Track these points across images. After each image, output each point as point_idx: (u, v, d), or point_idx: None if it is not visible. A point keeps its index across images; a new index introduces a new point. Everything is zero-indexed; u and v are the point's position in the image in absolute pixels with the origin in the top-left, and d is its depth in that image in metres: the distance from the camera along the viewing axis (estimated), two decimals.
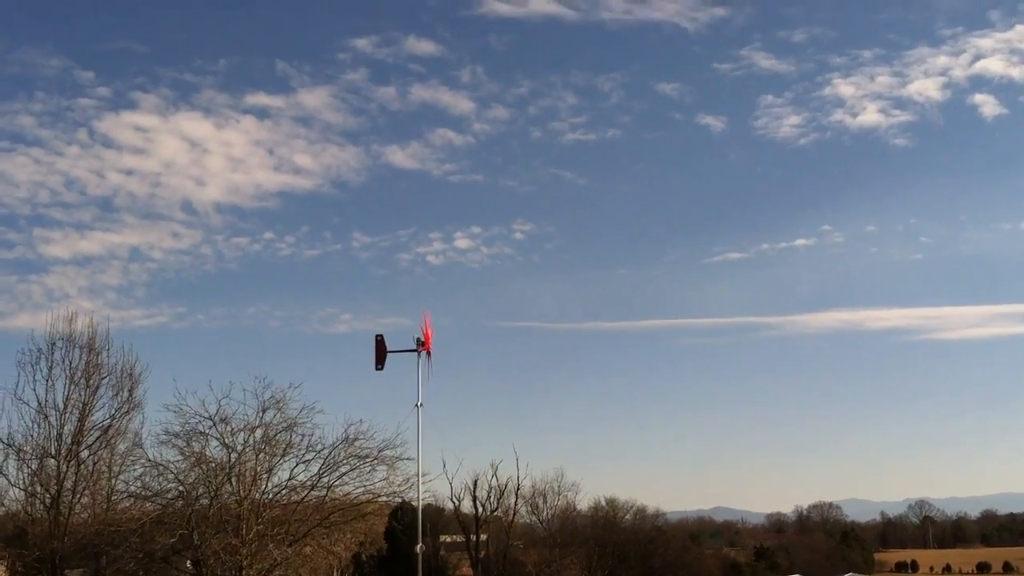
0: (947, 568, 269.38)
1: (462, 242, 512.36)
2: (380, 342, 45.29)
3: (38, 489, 55.49)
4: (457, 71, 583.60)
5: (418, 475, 47.34)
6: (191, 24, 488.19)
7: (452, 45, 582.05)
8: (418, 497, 48.10)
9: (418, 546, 47.18)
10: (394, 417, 52.67)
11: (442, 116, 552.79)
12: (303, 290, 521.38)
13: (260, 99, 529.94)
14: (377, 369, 45.23)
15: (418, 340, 44.88)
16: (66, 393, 56.37)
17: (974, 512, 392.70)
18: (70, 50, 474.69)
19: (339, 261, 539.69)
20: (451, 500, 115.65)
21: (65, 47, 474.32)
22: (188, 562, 52.32)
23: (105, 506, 54.72)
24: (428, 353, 44.87)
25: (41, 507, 55.61)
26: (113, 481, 55.30)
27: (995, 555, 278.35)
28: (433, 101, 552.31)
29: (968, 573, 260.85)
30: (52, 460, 55.58)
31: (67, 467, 55.47)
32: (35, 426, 55.70)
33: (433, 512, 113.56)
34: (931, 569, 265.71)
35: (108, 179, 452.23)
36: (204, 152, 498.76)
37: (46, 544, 54.45)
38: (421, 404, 43.44)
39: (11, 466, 56.31)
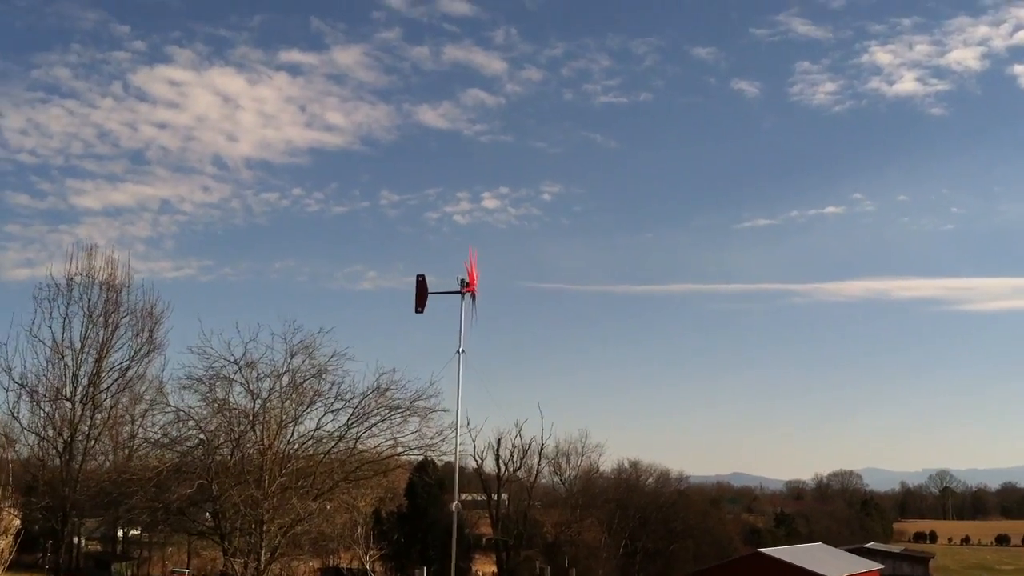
0: (966, 539, 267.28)
1: (490, 202, 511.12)
2: (421, 283, 42.29)
3: (51, 433, 52.41)
4: (491, 31, 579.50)
5: (456, 425, 44.36)
6: None
7: (486, 5, 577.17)
8: (455, 449, 45.21)
9: (454, 503, 44.24)
10: (427, 368, 49.59)
11: (474, 76, 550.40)
12: (331, 247, 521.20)
13: (293, 56, 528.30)
14: (417, 311, 42.27)
15: (462, 281, 41.89)
16: (83, 332, 53.47)
17: (994, 484, 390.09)
18: (107, 3, 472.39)
19: (367, 219, 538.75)
20: (474, 458, 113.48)
21: (101, 0, 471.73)
22: (207, 514, 49.60)
23: (121, 453, 51.51)
24: (473, 295, 41.91)
25: (54, 453, 52.53)
26: (131, 427, 51.90)
27: (1014, 527, 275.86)
28: (466, 61, 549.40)
29: (987, 544, 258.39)
30: (67, 403, 52.52)
31: (83, 411, 52.44)
32: (50, 366, 52.77)
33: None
34: (950, 540, 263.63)
35: (141, 132, 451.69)
36: (236, 107, 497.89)
37: (58, 492, 51.70)
38: (463, 350, 40.47)
39: (24, 408, 53.11)
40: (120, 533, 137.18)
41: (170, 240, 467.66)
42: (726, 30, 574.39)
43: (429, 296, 44.52)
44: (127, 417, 52.26)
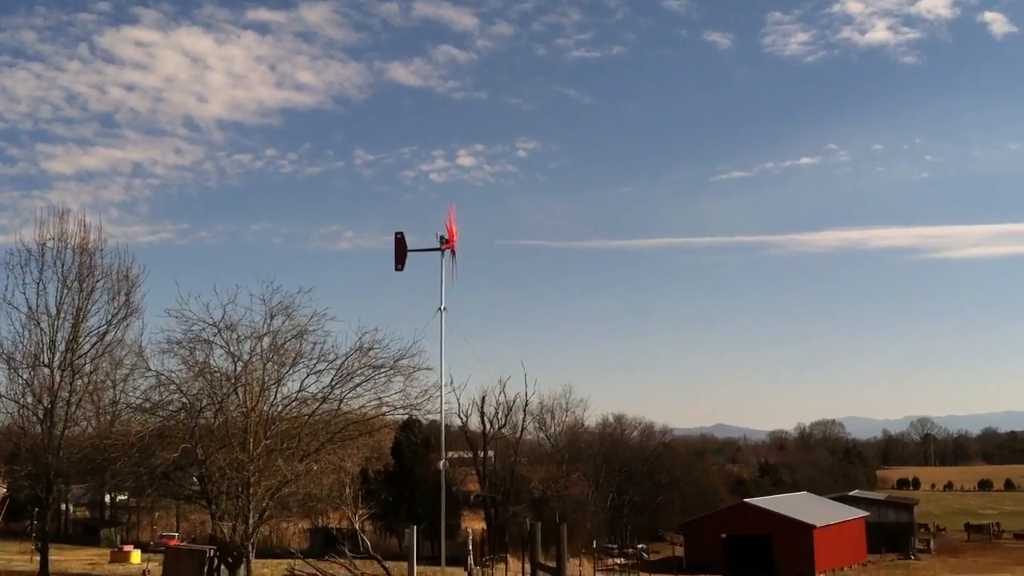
0: (949, 485, 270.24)
1: (465, 160, 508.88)
2: (400, 240, 41.85)
3: (31, 400, 51.63)
4: None
5: (440, 383, 44.06)
6: None
7: None
8: (440, 408, 44.89)
9: (442, 461, 43.98)
10: (410, 327, 49.07)
11: (445, 32, 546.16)
12: (306, 207, 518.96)
13: (261, 14, 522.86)
14: (397, 269, 41.86)
15: (441, 238, 41.36)
16: (59, 297, 52.41)
17: (975, 430, 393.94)
18: None
19: (342, 178, 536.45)
20: (459, 416, 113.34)
21: None
22: (193, 478, 49.12)
23: (103, 419, 50.82)
24: (453, 251, 41.41)
25: (35, 420, 51.78)
26: (111, 392, 51.19)
27: (996, 472, 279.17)
28: (436, 17, 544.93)
29: (970, 490, 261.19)
30: (45, 369, 51.68)
31: (62, 377, 51.62)
32: (26, 332, 51.76)
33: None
34: (932, 486, 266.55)
35: (110, 94, 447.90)
36: (205, 68, 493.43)
37: (40, 459, 51.05)
38: (445, 308, 40.06)
39: (1, 375, 52.30)
40: (108, 499, 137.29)
41: (144, 204, 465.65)
42: None
43: (408, 253, 44.10)
44: (108, 382, 51.37)
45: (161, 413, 48.03)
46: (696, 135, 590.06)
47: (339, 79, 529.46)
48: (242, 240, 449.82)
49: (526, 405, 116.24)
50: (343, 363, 46.56)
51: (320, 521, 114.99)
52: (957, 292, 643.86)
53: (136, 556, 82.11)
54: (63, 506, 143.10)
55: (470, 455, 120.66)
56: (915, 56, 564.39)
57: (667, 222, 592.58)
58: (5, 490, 65.39)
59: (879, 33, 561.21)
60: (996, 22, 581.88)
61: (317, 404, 46.96)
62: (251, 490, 43.64)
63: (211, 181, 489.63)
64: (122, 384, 51.79)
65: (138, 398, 49.90)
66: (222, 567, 46.63)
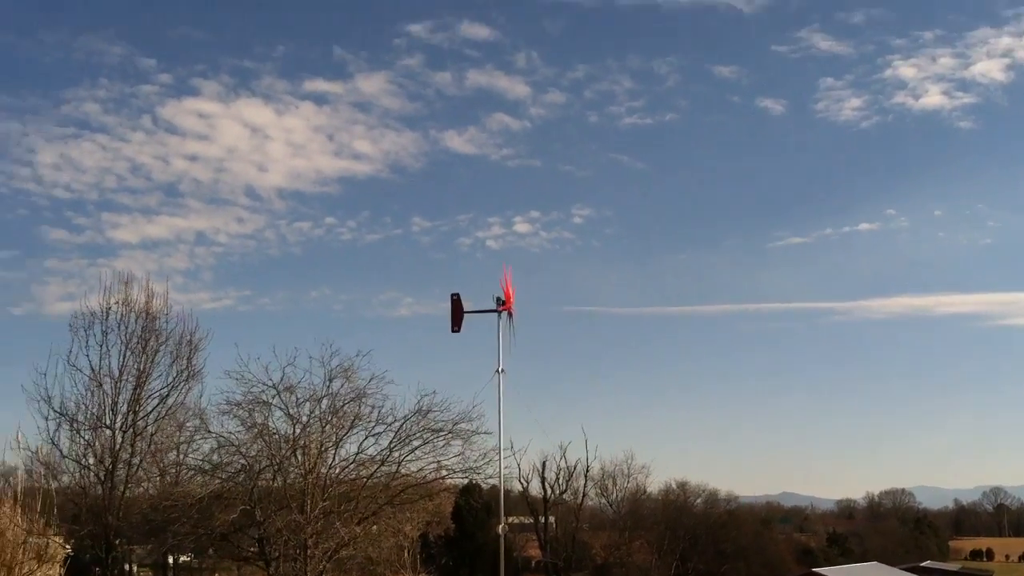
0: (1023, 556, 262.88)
1: (521, 226, 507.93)
2: (456, 301, 41.73)
3: (91, 461, 52.03)
4: (512, 55, 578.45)
5: (499, 446, 43.64)
6: (249, 11, 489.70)
7: (507, 30, 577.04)
8: (499, 471, 44.40)
9: (501, 525, 43.51)
10: (468, 391, 48.86)
11: (498, 101, 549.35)
12: (365, 274, 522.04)
13: (318, 85, 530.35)
14: (453, 331, 41.72)
15: (498, 299, 41.20)
16: (122, 360, 52.90)
17: None
18: (132, 37, 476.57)
19: (400, 245, 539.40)
20: (519, 481, 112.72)
21: (127, 34, 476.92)
22: (252, 539, 49.04)
23: (164, 480, 51.09)
24: (510, 313, 41.20)
25: (95, 480, 52.13)
26: (173, 454, 51.51)
27: None
28: (489, 86, 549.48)
29: None
30: (107, 430, 52.13)
31: (123, 438, 52.04)
32: (89, 394, 52.29)
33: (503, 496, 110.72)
34: (1007, 557, 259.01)
35: (172, 165, 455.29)
36: (265, 138, 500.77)
37: (100, 519, 51.29)
38: (503, 369, 39.76)
39: (64, 436, 52.72)
40: (171, 560, 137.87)
41: (207, 271, 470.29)
42: (747, 47, 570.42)
43: (465, 315, 43.91)
44: (169, 444, 51.72)
45: (221, 475, 48.20)
46: (751, 201, 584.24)
47: (395, 148, 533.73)
48: (302, 307, 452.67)
49: (587, 471, 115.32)
50: (402, 426, 46.60)
51: None
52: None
53: None
54: (126, 567, 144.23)
55: (531, 520, 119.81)
56: (971, 120, 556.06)
57: (725, 289, 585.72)
58: (69, 549, 65.73)
59: (933, 98, 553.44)
60: None
61: (375, 467, 46.87)
62: (308, 552, 43.50)
63: (272, 249, 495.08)
64: (183, 446, 52.12)
65: (198, 460, 50.23)
66: None
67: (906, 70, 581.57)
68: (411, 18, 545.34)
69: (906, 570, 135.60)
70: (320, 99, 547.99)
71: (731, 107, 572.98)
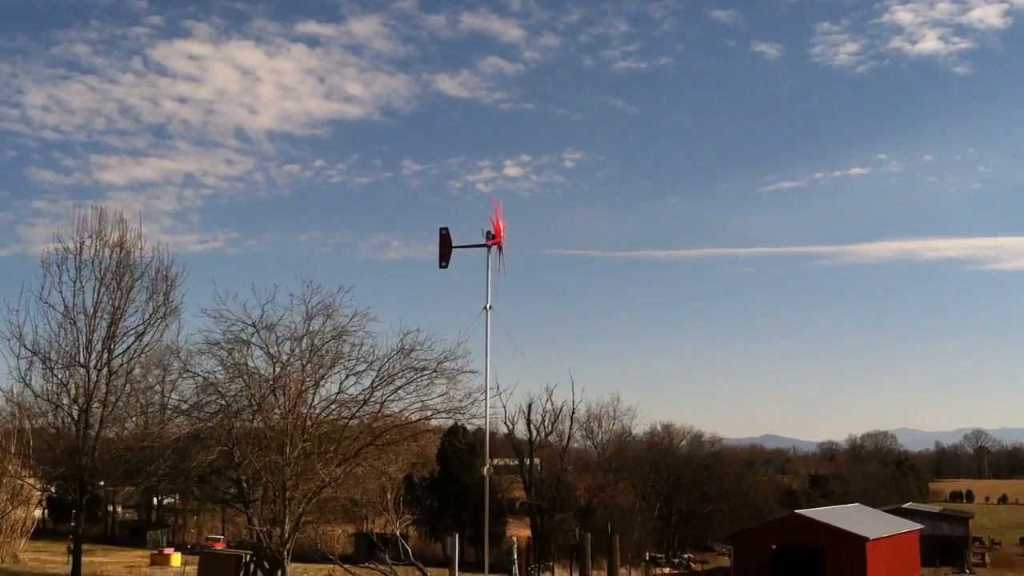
0: (1003, 498, 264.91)
1: (512, 170, 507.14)
2: (445, 236, 40.26)
3: (65, 401, 50.51)
4: None
5: (486, 385, 42.36)
6: None
7: None
8: (486, 411, 43.13)
9: (486, 467, 42.31)
10: (455, 331, 47.51)
11: (492, 44, 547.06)
12: (354, 217, 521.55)
13: (311, 27, 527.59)
14: (441, 266, 40.30)
15: (488, 233, 39.78)
16: (96, 297, 51.15)
17: None
18: None
19: (390, 189, 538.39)
20: (505, 423, 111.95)
21: None
22: (230, 481, 47.82)
23: (139, 420, 49.65)
24: (500, 247, 39.79)
25: (69, 421, 50.65)
26: (148, 393, 49.94)
27: None
28: (483, 29, 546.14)
29: None
30: (81, 369, 50.50)
31: (97, 376, 50.46)
32: (62, 332, 50.54)
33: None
34: (987, 499, 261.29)
35: (162, 106, 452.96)
36: (256, 80, 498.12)
37: (74, 461, 49.91)
38: (491, 306, 38.42)
39: (36, 375, 51.05)
40: (155, 501, 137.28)
41: (195, 213, 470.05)
42: None
43: (453, 251, 42.57)
44: (144, 383, 50.16)
45: (198, 415, 46.90)
46: (744, 145, 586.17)
47: (387, 91, 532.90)
48: (291, 249, 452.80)
49: (573, 413, 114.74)
50: (384, 365, 45.24)
51: (365, 526, 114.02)
52: (1010, 304, 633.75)
53: (176, 559, 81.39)
54: (110, 508, 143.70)
55: (516, 462, 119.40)
56: (966, 66, 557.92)
57: (715, 233, 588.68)
58: (44, 491, 64.62)
59: (929, 43, 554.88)
60: None
61: (357, 407, 45.56)
62: (288, 494, 42.33)
63: (261, 191, 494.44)
64: (159, 385, 50.61)
65: (175, 399, 48.90)
66: (258, 572, 45.38)
67: (904, 15, 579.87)
68: None
69: (887, 511, 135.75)
70: (312, 41, 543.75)
71: (727, 51, 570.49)
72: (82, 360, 50.40)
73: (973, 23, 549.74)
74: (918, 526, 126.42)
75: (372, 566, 44.73)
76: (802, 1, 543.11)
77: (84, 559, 56.32)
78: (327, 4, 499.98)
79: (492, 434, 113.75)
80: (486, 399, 42.07)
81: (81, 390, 50.28)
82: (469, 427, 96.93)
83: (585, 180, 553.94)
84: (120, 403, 50.66)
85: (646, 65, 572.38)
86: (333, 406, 45.76)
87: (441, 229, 41.19)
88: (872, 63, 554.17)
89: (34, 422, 55.16)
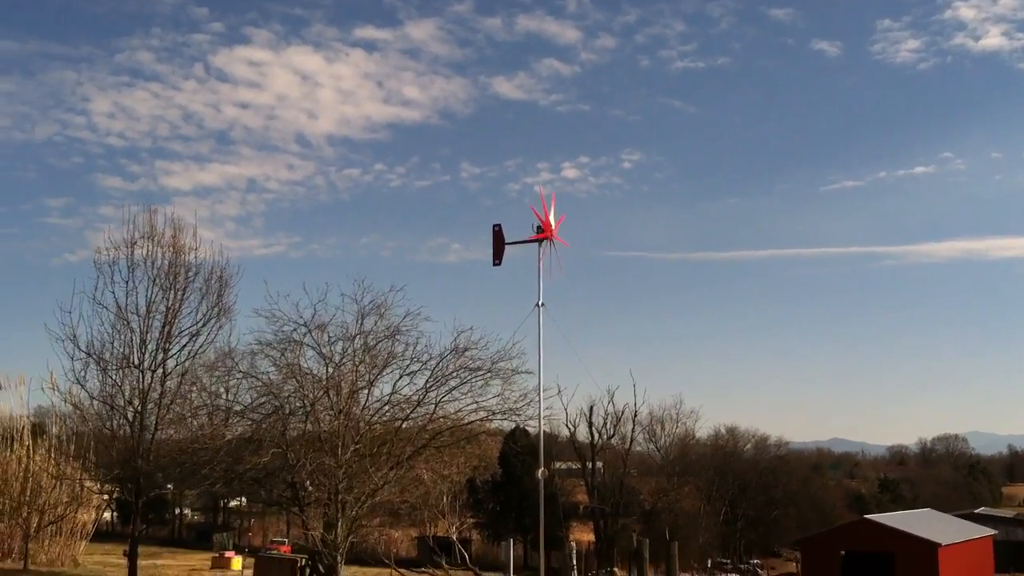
0: None
1: (570, 172, 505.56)
2: (498, 233, 39.37)
3: (120, 403, 50.21)
4: (562, 0, 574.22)
5: (539, 383, 41.23)
6: None
7: None
8: (539, 412, 42.01)
9: (540, 470, 41.20)
10: (509, 330, 46.40)
11: (548, 46, 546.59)
12: (414, 220, 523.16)
13: (368, 32, 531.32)
14: (495, 264, 39.42)
15: (537, 227, 38.71)
16: (149, 296, 50.81)
17: None
18: None
19: (448, 191, 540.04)
20: (566, 426, 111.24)
21: None
22: (284, 484, 47.24)
23: (194, 422, 49.16)
24: (551, 241, 38.65)
25: (124, 422, 50.35)
26: (202, 394, 49.41)
27: None
28: (539, 31, 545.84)
29: None
30: (135, 370, 50.17)
31: (152, 378, 50.13)
32: (115, 333, 50.21)
33: (547, 438, 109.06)
34: None
35: (224, 112, 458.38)
36: (315, 85, 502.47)
37: (129, 463, 49.58)
38: (543, 303, 37.33)
39: (91, 377, 50.79)
40: (220, 503, 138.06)
41: (258, 218, 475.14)
42: None
43: (508, 247, 41.65)
44: (199, 384, 49.65)
45: (252, 416, 46.36)
46: (805, 145, 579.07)
47: (444, 94, 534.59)
48: (352, 253, 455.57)
49: (635, 415, 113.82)
50: (437, 364, 44.27)
51: (428, 530, 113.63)
52: None
53: (237, 563, 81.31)
54: (177, 510, 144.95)
55: (578, 466, 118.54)
56: None
57: (777, 234, 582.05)
58: (105, 493, 64.70)
59: (993, 39, 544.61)
60: None
61: (411, 408, 44.69)
62: (340, 497, 41.58)
63: (322, 195, 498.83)
64: (214, 386, 50.05)
65: (229, 401, 48.39)
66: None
67: (966, 11, 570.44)
68: None
69: (960, 517, 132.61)
70: (370, 46, 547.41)
71: (786, 50, 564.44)
72: (136, 361, 50.11)
73: None
74: (991, 532, 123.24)
75: (428, 570, 43.97)
76: None
77: (147, 562, 56.30)
78: (384, 8, 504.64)
79: (555, 437, 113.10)
80: (539, 399, 40.92)
81: (136, 391, 50.01)
82: (530, 429, 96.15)
83: (644, 181, 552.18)
84: (175, 405, 50.19)
85: (704, 65, 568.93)
86: (386, 407, 44.95)
87: (494, 226, 40.48)
88: (935, 60, 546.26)
89: (91, 424, 54.90)
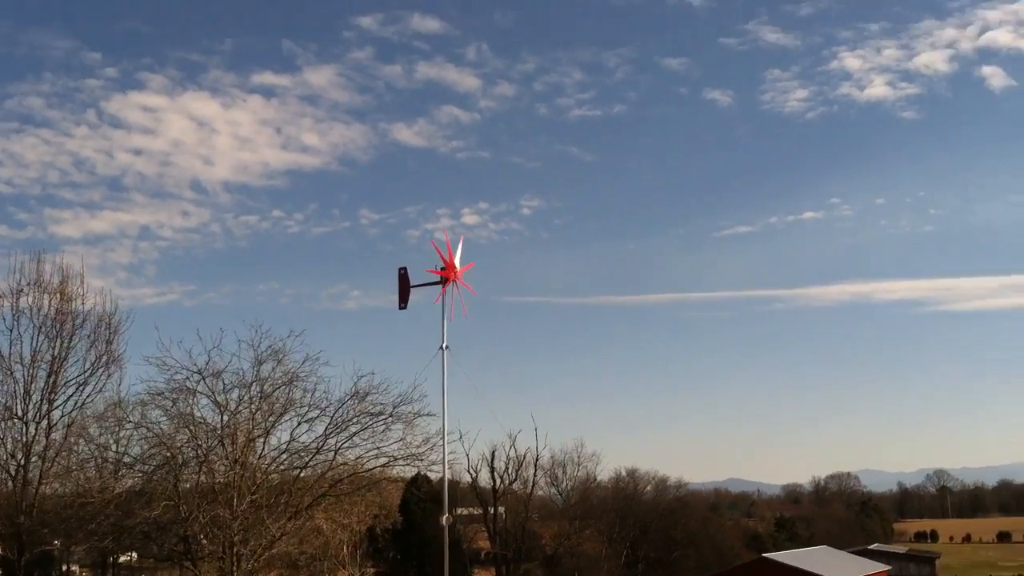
0: (967, 538, 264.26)
1: (470, 218, 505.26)
2: (403, 276, 38.53)
3: (2, 456, 47.93)
4: (462, 48, 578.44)
5: (443, 427, 40.29)
6: (196, 4, 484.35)
7: (457, 22, 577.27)
8: (443, 455, 40.93)
9: (444, 516, 40.22)
10: (411, 374, 45.35)
11: (448, 93, 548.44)
12: (313, 267, 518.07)
13: (266, 78, 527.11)
14: (401, 307, 38.63)
15: (440, 267, 38.04)
16: (34, 345, 48.74)
17: (990, 481, 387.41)
18: (77, 31, 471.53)
19: (348, 238, 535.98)
20: (468, 471, 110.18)
21: (72, 28, 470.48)
22: (176, 537, 45.41)
23: (80, 475, 47.08)
24: (455, 282, 37.94)
25: (6, 476, 48.03)
26: (89, 447, 47.39)
27: (1015, 524, 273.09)
28: (439, 78, 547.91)
29: (989, 542, 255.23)
30: (18, 422, 47.94)
31: (36, 430, 47.95)
32: None
33: (449, 484, 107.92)
34: (951, 539, 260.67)
35: (117, 159, 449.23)
36: (212, 131, 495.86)
37: (11, 519, 47.24)
38: (447, 346, 36.51)
39: None
40: (110, 559, 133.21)
41: (151, 266, 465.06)
42: (695, 40, 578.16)
43: (413, 291, 40.86)
44: (85, 436, 47.57)
45: (143, 468, 44.58)
46: (699, 191, 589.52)
47: (344, 140, 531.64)
48: (250, 301, 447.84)
49: (537, 460, 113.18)
50: (337, 410, 43.15)
51: None
52: (965, 344, 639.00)
53: None
54: (64, 567, 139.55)
55: (480, 512, 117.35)
56: (914, 111, 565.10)
57: (673, 277, 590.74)
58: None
59: (877, 89, 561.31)
60: (994, 76, 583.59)
61: (310, 456, 43.37)
62: (235, 550, 39.99)
63: (218, 243, 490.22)
64: (101, 438, 48.00)
65: (118, 453, 46.50)
66: None
67: (852, 61, 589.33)
68: (361, 10, 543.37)
69: (854, 553, 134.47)
70: (268, 92, 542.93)
71: (679, 99, 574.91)
72: (19, 412, 47.93)
73: (920, 68, 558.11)
74: (885, 567, 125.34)
75: None
76: (752, 49, 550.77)
77: None
78: (282, 55, 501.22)
79: (456, 483, 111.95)
80: (443, 441, 39.95)
81: (19, 444, 47.77)
82: (432, 475, 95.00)
83: (543, 227, 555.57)
84: (61, 457, 48.04)
85: (600, 112, 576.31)
86: (284, 455, 43.57)
87: (400, 269, 39.82)
88: (822, 109, 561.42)
89: None
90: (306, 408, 43.51)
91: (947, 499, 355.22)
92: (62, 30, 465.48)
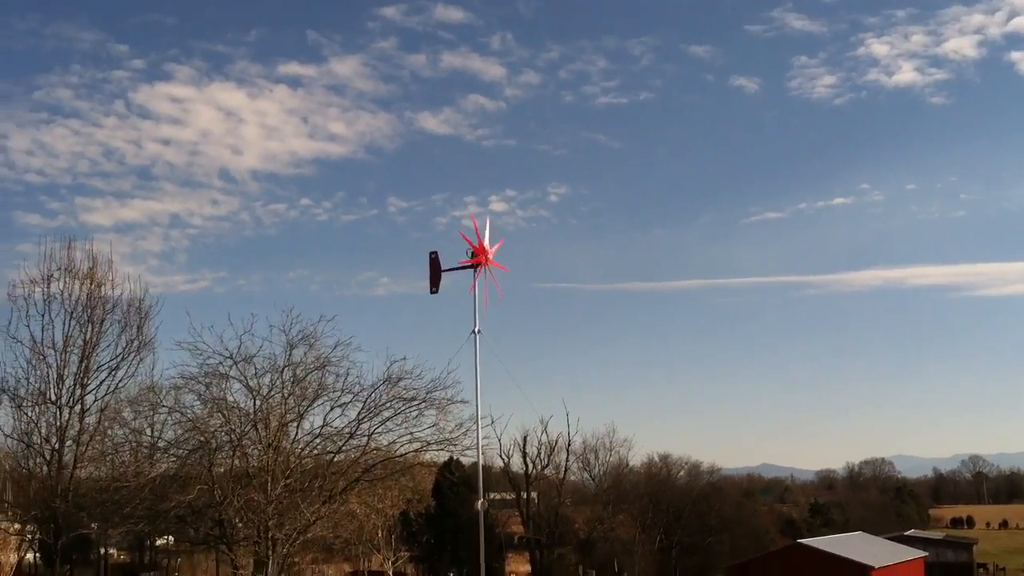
0: (1004, 523, 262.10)
1: (497, 205, 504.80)
2: (434, 260, 38.17)
3: (36, 440, 47.96)
4: (487, 37, 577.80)
5: (476, 412, 40.01)
6: None
7: (481, 12, 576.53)
8: (477, 440, 40.63)
9: (479, 502, 39.96)
10: (444, 359, 45.03)
11: (473, 82, 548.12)
12: (342, 255, 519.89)
13: (292, 68, 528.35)
14: (432, 292, 38.32)
15: (470, 253, 37.68)
16: (66, 330, 48.70)
17: None
18: (103, 24, 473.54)
19: (376, 226, 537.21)
20: (500, 456, 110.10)
21: (98, 21, 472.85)
22: (211, 521, 45.38)
23: (114, 459, 47.02)
24: (486, 267, 37.59)
25: (41, 461, 48.07)
26: (123, 431, 47.29)
27: None
28: (464, 67, 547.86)
29: None
30: (52, 406, 47.97)
31: (70, 414, 47.97)
32: (31, 368, 47.98)
33: (483, 469, 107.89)
34: (988, 524, 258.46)
35: (146, 149, 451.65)
36: (239, 121, 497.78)
37: (47, 503, 47.33)
38: (479, 330, 36.18)
39: (5, 414, 48.54)
40: (147, 542, 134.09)
41: (182, 253, 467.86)
42: (721, 27, 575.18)
43: (444, 275, 40.56)
44: (119, 420, 47.48)
45: (177, 452, 44.54)
46: (727, 178, 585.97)
47: (370, 129, 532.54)
48: (279, 288, 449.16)
49: (569, 445, 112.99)
50: (370, 395, 42.86)
51: (363, 565, 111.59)
52: (997, 329, 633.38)
53: None
54: (102, 550, 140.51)
55: (513, 496, 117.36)
56: (943, 96, 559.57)
57: (701, 264, 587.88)
58: (34, 535, 62.03)
59: (906, 75, 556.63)
60: (1022, 62, 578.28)
61: (343, 440, 43.17)
62: (270, 534, 39.89)
63: (247, 231, 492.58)
64: (135, 422, 47.91)
65: (152, 437, 46.50)
66: None
67: (879, 47, 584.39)
68: (385, 1, 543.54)
69: (889, 539, 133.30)
70: (294, 82, 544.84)
71: (706, 86, 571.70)
72: (53, 397, 47.98)
73: (948, 54, 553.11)
74: (922, 553, 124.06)
75: None
76: (778, 35, 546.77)
77: None
78: (308, 45, 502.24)
79: (488, 468, 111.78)
80: (477, 427, 39.67)
81: (53, 428, 47.83)
82: (464, 460, 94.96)
83: (570, 214, 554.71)
84: (95, 441, 48.02)
85: (626, 100, 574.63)
86: (318, 440, 43.38)
87: (431, 253, 39.53)
88: (850, 95, 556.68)
89: (6, 463, 52.43)
90: (339, 393, 43.40)
91: (983, 485, 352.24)
92: (87, 24, 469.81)
